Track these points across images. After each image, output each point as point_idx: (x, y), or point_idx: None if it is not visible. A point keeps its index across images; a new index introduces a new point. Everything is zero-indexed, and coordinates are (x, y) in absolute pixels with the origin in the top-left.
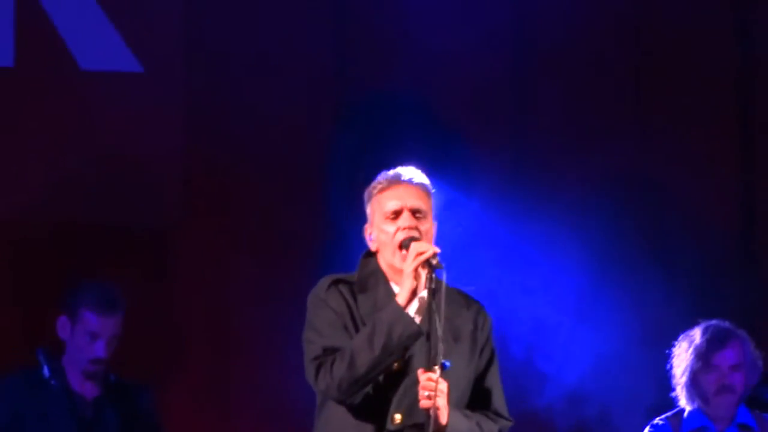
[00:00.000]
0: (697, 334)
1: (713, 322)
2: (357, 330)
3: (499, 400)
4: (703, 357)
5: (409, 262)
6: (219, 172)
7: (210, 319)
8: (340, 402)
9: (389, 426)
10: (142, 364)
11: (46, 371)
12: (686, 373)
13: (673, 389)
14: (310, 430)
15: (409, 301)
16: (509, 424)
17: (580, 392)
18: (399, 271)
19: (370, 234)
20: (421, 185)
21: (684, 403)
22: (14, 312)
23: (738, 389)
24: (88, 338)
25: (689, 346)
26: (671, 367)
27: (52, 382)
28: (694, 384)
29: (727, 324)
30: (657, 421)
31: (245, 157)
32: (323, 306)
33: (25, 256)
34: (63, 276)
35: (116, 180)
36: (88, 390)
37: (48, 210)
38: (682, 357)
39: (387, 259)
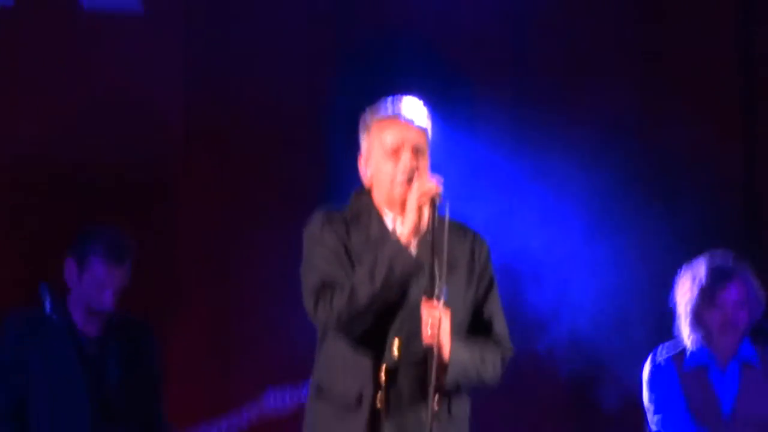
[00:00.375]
0: (701, 269)
1: (717, 256)
2: (352, 264)
3: (500, 327)
4: (707, 294)
5: (412, 199)
6: (218, 118)
7: (210, 266)
8: (339, 334)
9: (388, 358)
10: (141, 310)
11: (47, 306)
12: (689, 309)
13: (675, 322)
14: (311, 370)
15: (411, 237)
16: (511, 352)
17: (579, 336)
18: (394, 205)
19: (365, 167)
20: (422, 121)
21: (686, 338)
22: (15, 259)
23: (741, 326)
24: (95, 287)
25: (693, 282)
26: (674, 301)
27: (54, 317)
28: (697, 321)
29: (730, 258)
30: (659, 360)
31: (244, 102)
32: (319, 241)
33: (24, 202)
34: (63, 222)
35: (115, 123)
36: (91, 328)
37: (46, 154)
38: (685, 293)
39: (384, 194)
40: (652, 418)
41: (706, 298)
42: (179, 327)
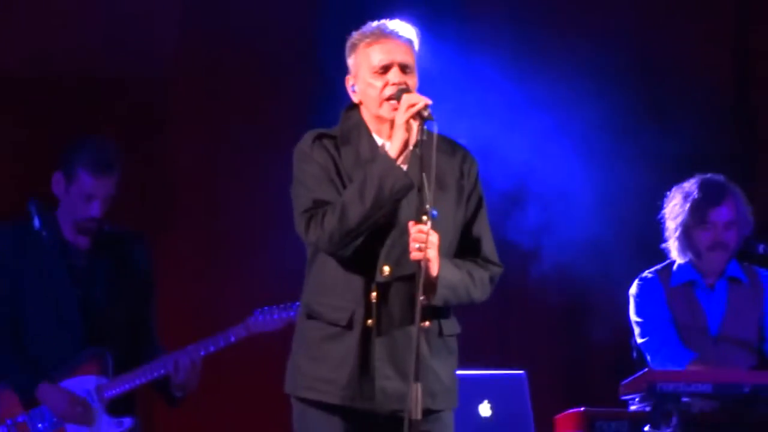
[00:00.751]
0: (692, 188)
1: (708, 176)
2: (343, 183)
3: (488, 247)
4: (698, 213)
5: (401, 113)
6: (212, 33)
7: (201, 175)
8: (331, 254)
9: (378, 278)
10: (132, 216)
11: (36, 222)
12: (679, 227)
13: (665, 240)
14: (301, 285)
15: (401, 153)
16: (500, 270)
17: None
18: (383, 123)
19: (353, 85)
20: (408, 39)
21: (675, 255)
22: (10, 168)
23: (731, 245)
24: (83, 198)
25: (684, 200)
26: (663, 219)
27: (43, 233)
28: (687, 238)
29: (722, 179)
30: (646, 273)
31: (237, 18)
32: (309, 160)
33: (20, 111)
34: (57, 130)
35: (111, 34)
36: (82, 240)
37: (42, 63)
38: (675, 210)
39: (372, 112)
40: (637, 330)
41: (696, 216)
42: (168, 233)
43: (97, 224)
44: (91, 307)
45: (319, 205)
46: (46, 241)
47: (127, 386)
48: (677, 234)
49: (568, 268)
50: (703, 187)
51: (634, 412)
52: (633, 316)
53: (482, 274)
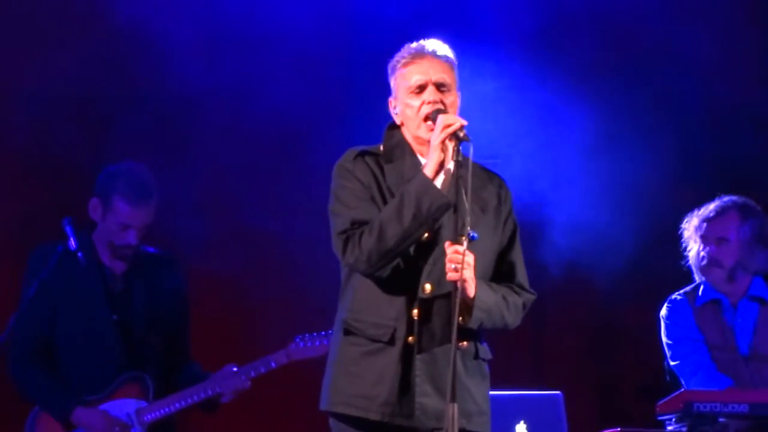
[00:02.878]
0: (710, 212)
1: (726, 199)
2: (384, 201)
3: (521, 273)
4: (698, 227)
5: (437, 134)
6: None
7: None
8: (369, 275)
9: (420, 295)
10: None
11: (72, 243)
12: (698, 252)
13: (687, 262)
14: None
15: (437, 173)
16: (532, 297)
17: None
18: (425, 143)
19: (395, 107)
20: (446, 58)
21: (698, 277)
22: None
23: (725, 263)
24: (119, 227)
25: (700, 224)
26: (684, 245)
27: (79, 254)
28: (696, 256)
29: (736, 198)
30: (675, 295)
31: None
32: (350, 177)
33: None
34: None
35: None
36: (118, 265)
37: None
38: (693, 235)
39: (412, 132)
40: (669, 353)
41: (697, 231)
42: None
43: (134, 250)
44: (128, 332)
45: (357, 226)
46: (82, 263)
47: (166, 410)
48: (697, 260)
49: (600, 289)
50: (714, 204)
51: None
52: (665, 339)
53: (516, 300)
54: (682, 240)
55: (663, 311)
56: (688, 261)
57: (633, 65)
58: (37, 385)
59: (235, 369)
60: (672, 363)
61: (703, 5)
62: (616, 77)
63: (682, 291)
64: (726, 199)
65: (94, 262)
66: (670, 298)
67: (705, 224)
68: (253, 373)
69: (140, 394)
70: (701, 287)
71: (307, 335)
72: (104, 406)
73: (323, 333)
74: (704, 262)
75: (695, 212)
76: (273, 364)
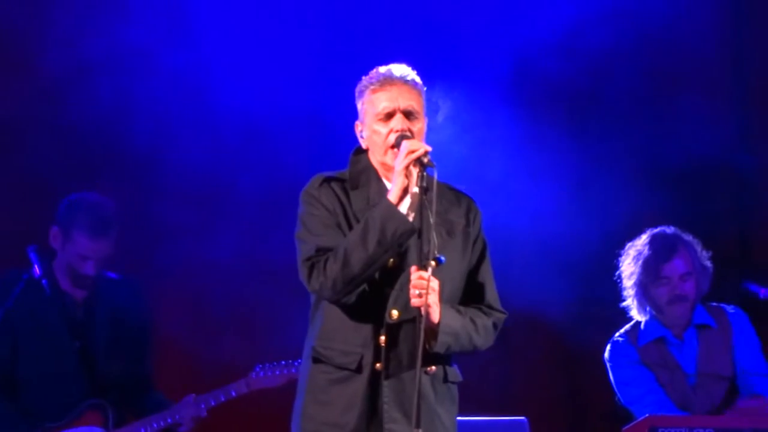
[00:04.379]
0: (643, 245)
1: (657, 230)
2: (350, 227)
3: (491, 294)
4: (651, 269)
5: (401, 159)
6: None
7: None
8: (335, 302)
9: (387, 321)
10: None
11: (37, 270)
12: (636, 286)
13: (624, 299)
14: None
15: (401, 198)
16: (503, 316)
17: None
18: (391, 169)
19: (361, 131)
20: (414, 83)
21: (636, 313)
22: None
23: (690, 296)
24: (78, 257)
25: (636, 259)
26: (620, 278)
27: (43, 281)
28: (645, 296)
29: (672, 231)
30: (616, 337)
31: None
32: (315, 204)
33: None
34: None
35: None
36: (78, 292)
37: None
38: (630, 269)
39: (378, 158)
40: (620, 395)
41: (650, 272)
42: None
43: (92, 279)
44: (89, 359)
45: (322, 253)
46: (47, 290)
47: None
48: (634, 292)
49: (567, 315)
50: (653, 242)
51: None
52: (613, 382)
53: (485, 321)
54: (620, 280)
55: (606, 354)
56: (624, 300)
57: (611, 115)
58: None
59: (193, 398)
60: (628, 406)
61: (684, 63)
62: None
63: (623, 331)
64: (660, 235)
65: (55, 290)
66: (612, 339)
67: (662, 265)
68: (213, 402)
69: (100, 421)
70: (641, 324)
71: (267, 365)
72: None
73: (283, 362)
74: (669, 301)
75: (631, 250)
76: (233, 393)
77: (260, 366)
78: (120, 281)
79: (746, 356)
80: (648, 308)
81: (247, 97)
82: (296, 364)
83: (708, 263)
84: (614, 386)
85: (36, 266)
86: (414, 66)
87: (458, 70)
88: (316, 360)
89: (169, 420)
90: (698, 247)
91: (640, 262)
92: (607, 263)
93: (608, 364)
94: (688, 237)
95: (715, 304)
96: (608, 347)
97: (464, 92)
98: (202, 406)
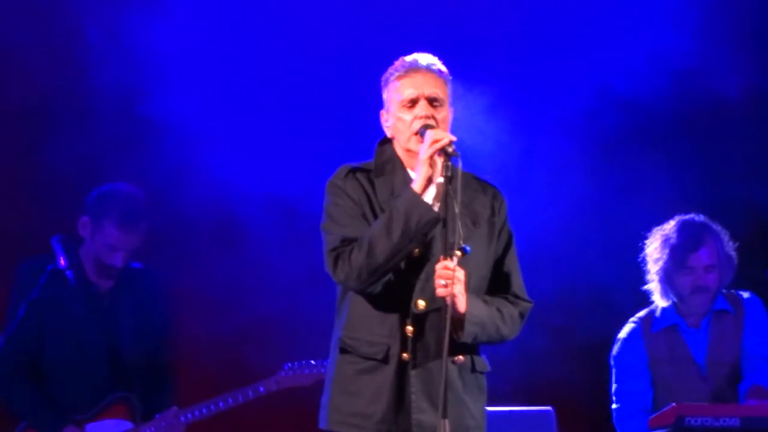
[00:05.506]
0: (671, 232)
1: (688, 218)
2: (376, 218)
3: (517, 283)
4: (678, 257)
5: (425, 149)
6: None
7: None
8: (360, 292)
9: (413, 311)
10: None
11: (61, 261)
12: (660, 271)
13: (646, 282)
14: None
15: (425, 188)
16: (529, 305)
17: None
18: (415, 155)
19: (387, 120)
20: (439, 72)
21: (657, 298)
22: None
23: (712, 288)
24: (107, 248)
25: (664, 244)
26: (645, 262)
27: (68, 273)
28: (668, 282)
29: (701, 220)
30: (631, 323)
31: None
32: (341, 194)
33: None
34: None
35: None
36: (104, 282)
37: None
38: (656, 254)
39: (403, 146)
40: (614, 374)
41: (676, 261)
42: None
43: (119, 270)
44: (115, 350)
45: (347, 243)
46: (71, 282)
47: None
48: (658, 277)
49: (595, 306)
50: (681, 230)
51: None
52: (613, 360)
53: (512, 311)
54: (644, 262)
55: (621, 334)
56: (647, 283)
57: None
58: (26, 401)
59: (174, 411)
60: (613, 386)
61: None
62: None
63: (637, 317)
64: (689, 223)
65: (81, 280)
66: (629, 321)
67: (688, 254)
68: (241, 398)
69: (129, 415)
70: (657, 311)
71: (296, 363)
72: (92, 425)
73: (312, 362)
74: (691, 291)
75: (659, 235)
76: (262, 389)
77: (289, 365)
78: (143, 271)
79: (754, 339)
80: (670, 295)
81: None
82: (325, 363)
83: (733, 254)
84: (612, 364)
85: (60, 257)
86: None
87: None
88: (343, 351)
89: (196, 416)
90: (725, 238)
91: (667, 249)
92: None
93: (617, 345)
94: (716, 227)
95: (733, 291)
96: (623, 329)
97: None
98: (230, 401)
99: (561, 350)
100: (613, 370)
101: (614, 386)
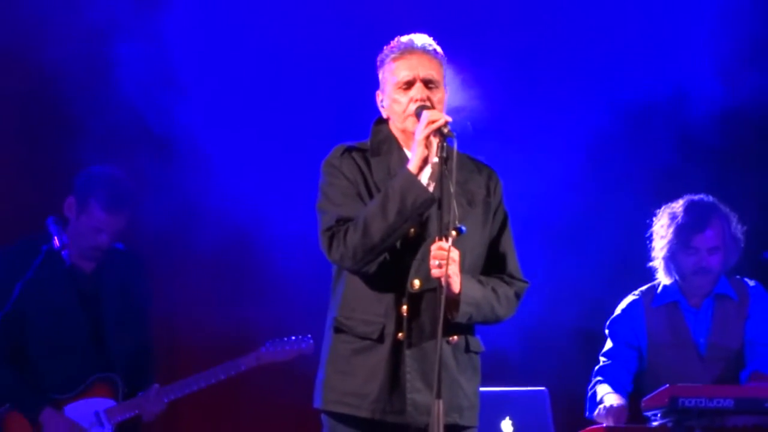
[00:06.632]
0: (679, 210)
1: (696, 198)
2: (371, 197)
3: (513, 263)
4: (683, 237)
5: (420, 130)
6: None
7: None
8: (355, 272)
9: (409, 291)
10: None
11: (56, 242)
12: (665, 249)
13: (652, 260)
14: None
15: (421, 168)
16: (525, 285)
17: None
18: (411, 136)
19: (382, 101)
20: (434, 53)
21: (661, 275)
22: None
23: (715, 270)
24: (91, 229)
25: (670, 222)
26: (650, 238)
27: (63, 253)
28: (672, 260)
29: (710, 201)
30: (632, 296)
31: None
32: (337, 174)
33: None
34: None
35: None
36: (87, 264)
37: None
38: (662, 231)
39: (399, 126)
40: (606, 340)
41: (681, 240)
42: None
43: (102, 252)
44: (98, 331)
45: (342, 223)
46: (66, 262)
47: (136, 411)
48: (663, 255)
49: (588, 287)
50: (689, 210)
51: (656, 427)
52: (607, 327)
53: (507, 291)
54: (650, 238)
55: (621, 304)
56: (652, 260)
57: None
58: (6, 383)
59: (156, 388)
60: (604, 348)
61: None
62: None
63: (639, 291)
64: (697, 203)
65: (68, 263)
66: (630, 294)
67: (694, 235)
68: (222, 375)
69: (110, 394)
70: (659, 287)
71: (277, 340)
72: (73, 405)
73: (293, 338)
74: (693, 271)
75: (667, 213)
76: (242, 367)
77: (270, 342)
78: (126, 253)
79: (757, 327)
80: (673, 273)
81: None
82: (307, 339)
83: (740, 236)
84: (606, 330)
85: (56, 237)
86: None
87: None
88: (338, 330)
89: (178, 394)
90: (733, 220)
91: (672, 228)
92: (635, 233)
93: (616, 313)
94: (724, 209)
95: (738, 277)
96: (624, 300)
97: None
98: (165, 400)
99: (555, 330)
100: (608, 336)
101: (605, 348)
